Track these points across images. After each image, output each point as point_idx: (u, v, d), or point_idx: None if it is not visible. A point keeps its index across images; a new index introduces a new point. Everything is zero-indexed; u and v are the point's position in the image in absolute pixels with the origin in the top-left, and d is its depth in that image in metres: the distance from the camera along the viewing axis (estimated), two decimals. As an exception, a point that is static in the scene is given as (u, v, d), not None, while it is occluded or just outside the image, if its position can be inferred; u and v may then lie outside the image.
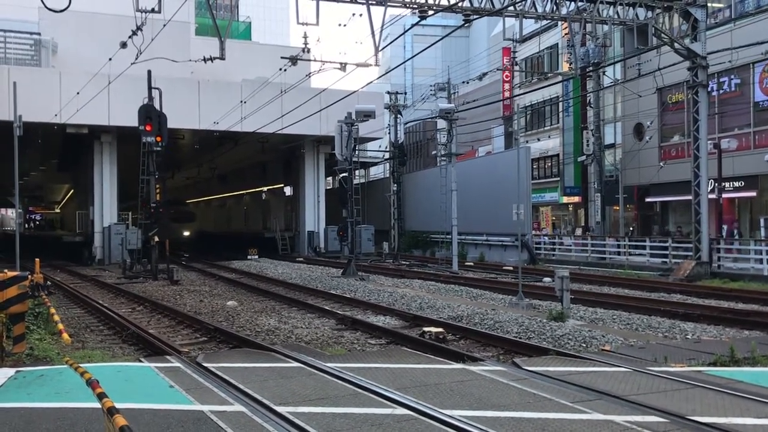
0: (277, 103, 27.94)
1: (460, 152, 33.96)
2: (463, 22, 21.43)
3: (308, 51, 22.59)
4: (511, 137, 45.41)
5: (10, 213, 72.08)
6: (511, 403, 6.76)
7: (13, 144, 18.55)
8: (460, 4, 20.14)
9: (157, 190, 24.51)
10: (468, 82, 40.67)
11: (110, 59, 21.90)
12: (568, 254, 30.21)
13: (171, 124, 24.46)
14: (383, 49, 19.80)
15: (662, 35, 21.58)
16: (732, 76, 28.14)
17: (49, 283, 11.26)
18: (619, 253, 27.84)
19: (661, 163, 31.66)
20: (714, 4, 28.52)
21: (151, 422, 6.16)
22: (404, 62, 43.80)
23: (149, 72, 24.11)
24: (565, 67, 38.89)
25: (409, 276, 23.83)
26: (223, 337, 11.80)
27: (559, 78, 38.48)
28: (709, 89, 23.87)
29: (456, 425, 5.97)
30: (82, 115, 27.59)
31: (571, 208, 41.48)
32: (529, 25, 39.09)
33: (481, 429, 5.83)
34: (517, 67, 43.35)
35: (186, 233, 51.98)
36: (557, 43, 41.08)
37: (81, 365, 7.75)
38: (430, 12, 19.73)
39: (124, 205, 36.26)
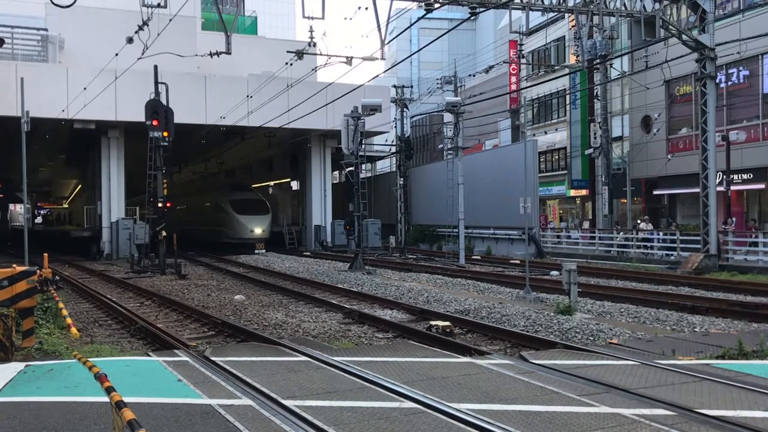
0: (284, 98, 27.93)
1: (467, 146, 33.94)
2: (469, 15, 21.33)
3: (314, 45, 22.59)
4: (518, 130, 45.31)
5: (19, 208, 72.46)
6: (519, 397, 6.76)
7: (21, 139, 18.64)
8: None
9: (165, 185, 24.57)
10: (474, 76, 40.56)
11: (117, 54, 21.94)
12: (575, 247, 30.15)
13: (178, 119, 24.50)
14: (389, 42, 19.78)
15: (670, 27, 21.44)
16: (740, 68, 27.97)
17: (57, 277, 11.29)
18: (627, 246, 27.75)
19: (669, 156, 31.53)
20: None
21: (160, 416, 6.18)
22: (410, 56, 43.74)
23: (156, 67, 24.13)
24: (572, 59, 38.72)
25: (416, 270, 23.83)
26: (230, 331, 11.84)
27: (566, 70, 38.32)
28: (718, 81, 23.73)
29: (463, 419, 5.97)
30: (89, 110, 27.66)
31: (578, 201, 41.37)
32: (536, 18, 38.88)
33: (488, 422, 5.82)
34: (523, 60, 43.19)
35: (259, 231, 36.10)
36: (564, 36, 40.89)
37: (89, 359, 7.79)
38: (436, 5, 19.68)
39: (131, 200, 36.39)
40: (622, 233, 28.18)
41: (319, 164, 37.04)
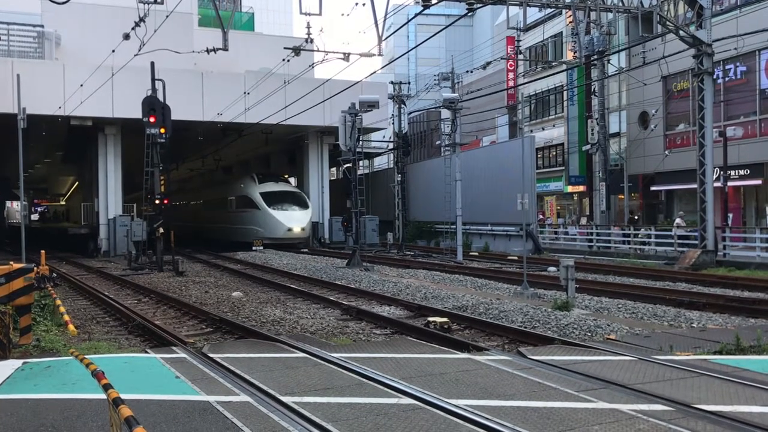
0: (281, 94, 27.90)
1: (465, 142, 33.89)
2: (466, 11, 21.32)
3: (311, 41, 22.55)
4: (516, 126, 45.31)
5: (16, 205, 72.39)
6: (517, 393, 6.76)
7: (18, 136, 18.59)
8: (463, -7, 20.01)
9: (162, 182, 24.54)
10: (472, 72, 40.53)
11: (113, 51, 21.89)
12: (573, 243, 30.18)
13: (175, 115, 24.45)
14: (386, 38, 19.75)
15: (667, 23, 21.44)
16: (737, 64, 27.99)
17: (54, 275, 11.29)
18: (624, 242, 27.77)
19: (667, 152, 31.56)
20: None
21: (157, 413, 6.18)
22: (408, 52, 43.73)
23: (152, 63, 24.09)
24: (569, 55, 38.72)
25: (413, 266, 23.83)
26: (228, 327, 11.83)
27: (564, 67, 38.32)
28: (715, 77, 23.74)
29: (461, 414, 5.98)
30: (86, 107, 27.62)
31: (575, 198, 41.40)
32: (533, 14, 38.88)
33: (486, 418, 5.83)
34: (521, 56, 43.19)
35: (298, 229, 31.23)
36: (561, 32, 40.88)
37: (87, 356, 7.80)
38: (434, 1, 19.63)
39: (129, 197, 36.28)
40: (643, 229, 27.91)
41: (317, 161, 37.03)
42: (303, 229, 30.97)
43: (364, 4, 19.84)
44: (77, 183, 54.69)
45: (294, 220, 31.06)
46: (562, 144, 41.10)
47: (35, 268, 9.67)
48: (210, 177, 50.78)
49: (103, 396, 4.46)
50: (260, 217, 32.10)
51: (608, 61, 32.24)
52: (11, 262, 9.63)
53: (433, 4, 19.05)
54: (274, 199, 31.93)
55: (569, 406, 6.27)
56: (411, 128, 50.66)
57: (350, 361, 8.19)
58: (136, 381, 7.46)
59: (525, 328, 11.11)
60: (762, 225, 26.32)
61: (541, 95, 43.46)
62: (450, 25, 26.36)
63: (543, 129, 43.06)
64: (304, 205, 32.40)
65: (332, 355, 8.60)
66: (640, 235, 27.37)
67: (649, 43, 25.93)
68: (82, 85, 26.70)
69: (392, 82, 39.40)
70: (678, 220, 26.09)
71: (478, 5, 20.52)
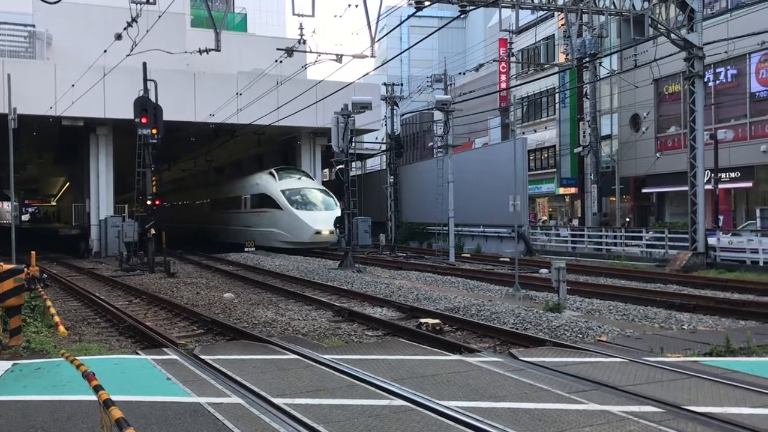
0: (274, 95, 27.86)
1: (457, 144, 33.97)
2: (459, 13, 21.35)
3: (304, 42, 22.55)
4: (508, 128, 45.42)
5: (6, 206, 72.03)
6: (508, 394, 6.78)
7: (8, 136, 18.50)
8: (456, -5, 20.06)
9: (154, 183, 24.46)
10: (464, 74, 40.60)
11: (105, 51, 21.82)
12: (564, 245, 30.25)
13: (167, 116, 24.39)
14: (379, 40, 19.78)
15: (659, 26, 21.54)
16: (728, 67, 28.16)
17: (45, 275, 11.25)
18: (615, 244, 27.85)
19: (658, 154, 31.72)
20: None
21: (148, 414, 6.16)
22: (400, 53, 43.75)
23: (144, 64, 24.02)
24: (561, 58, 38.85)
25: (405, 267, 23.83)
26: (219, 329, 11.80)
27: (556, 69, 38.45)
28: (706, 80, 23.87)
29: (452, 416, 5.98)
30: (78, 107, 27.51)
31: (567, 200, 41.53)
32: (526, 16, 38.97)
33: (477, 420, 5.84)
34: (513, 58, 43.31)
35: (326, 231, 28.12)
36: (554, 34, 41.04)
37: (77, 358, 7.76)
38: (427, 3, 19.66)
39: (121, 198, 36.09)
40: (649, 231, 27.67)
41: (310, 162, 36.99)
42: (332, 231, 27.46)
43: (357, 6, 19.85)
44: (68, 183, 54.43)
45: (321, 222, 27.91)
46: (554, 146, 41.24)
47: (25, 269, 9.63)
48: (216, 174, 48.64)
49: (94, 398, 4.44)
50: (283, 219, 29.21)
51: (600, 63, 32.37)
52: (1, 263, 9.58)
53: (425, 6, 19.08)
54: (298, 198, 29.03)
55: (560, 407, 6.28)
56: (404, 130, 50.66)
57: (342, 362, 8.19)
58: (126, 383, 7.42)
59: (516, 329, 11.13)
60: (752, 227, 26.43)
61: (533, 97, 43.59)
62: (443, 27, 26.39)
63: (535, 131, 43.19)
64: (331, 204, 29.31)
65: (324, 356, 8.59)
66: (646, 238, 27.26)
67: (640, 46, 26.04)
68: (73, 86, 26.59)
69: (385, 84, 39.43)
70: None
71: (471, 7, 20.55)
